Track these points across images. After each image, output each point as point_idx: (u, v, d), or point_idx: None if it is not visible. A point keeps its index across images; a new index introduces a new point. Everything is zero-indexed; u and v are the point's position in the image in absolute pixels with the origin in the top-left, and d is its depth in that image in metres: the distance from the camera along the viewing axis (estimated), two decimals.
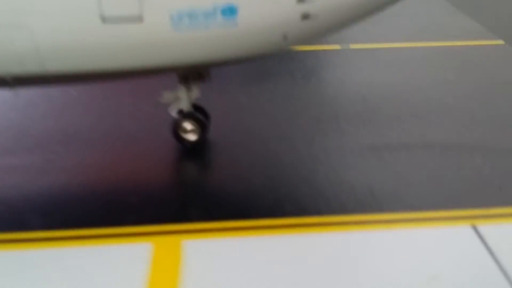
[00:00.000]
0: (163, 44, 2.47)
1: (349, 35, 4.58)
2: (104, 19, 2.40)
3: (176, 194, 2.60)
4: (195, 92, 2.87)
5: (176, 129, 2.90)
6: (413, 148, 2.93)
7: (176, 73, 2.81)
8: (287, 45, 2.64)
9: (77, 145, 2.99)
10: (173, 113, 2.97)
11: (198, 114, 2.93)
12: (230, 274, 2.07)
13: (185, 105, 2.90)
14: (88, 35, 2.41)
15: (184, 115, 2.89)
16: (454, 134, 3.08)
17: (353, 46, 4.43)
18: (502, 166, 2.77)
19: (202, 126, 2.91)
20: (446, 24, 4.97)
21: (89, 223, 2.34)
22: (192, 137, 2.92)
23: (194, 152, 2.94)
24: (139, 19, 2.41)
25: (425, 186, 2.60)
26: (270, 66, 4.02)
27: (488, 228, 2.29)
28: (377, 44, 4.44)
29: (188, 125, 2.89)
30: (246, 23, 2.48)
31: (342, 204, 2.48)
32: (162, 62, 2.54)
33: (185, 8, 2.42)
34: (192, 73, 2.79)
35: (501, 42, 4.47)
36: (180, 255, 2.15)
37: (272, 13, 2.49)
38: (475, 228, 2.30)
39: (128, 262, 2.11)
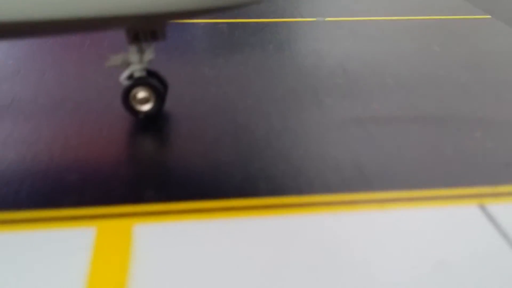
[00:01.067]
0: None
1: (327, 9, 4.27)
2: None
3: (126, 171, 2.26)
4: (149, 54, 2.55)
5: (126, 97, 2.56)
6: (404, 121, 2.63)
7: (124, 30, 2.45)
8: None
9: (9, 117, 2.65)
10: (123, 79, 2.61)
11: (152, 80, 2.59)
12: (189, 264, 1.78)
13: (136, 70, 2.56)
14: None
15: (135, 81, 2.55)
16: (448, 106, 2.86)
17: (329, 19, 4.08)
18: (505, 141, 2.54)
19: (157, 93, 2.57)
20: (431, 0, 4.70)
21: (19, 205, 2.02)
22: (145, 107, 2.58)
23: (149, 125, 2.62)
24: None
25: (421, 162, 2.35)
26: (237, 38, 3.72)
27: (498, 208, 2.08)
28: (355, 17, 4.12)
29: (140, 93, 2.55)
30: None
31: (326, 181, 2.19)
32: (100, 11, 2.12)
33: None
34: (143, 30, 2.44)
35: (487, 16, 4.19)
36: (130, 242, 1.85)
37: None
38: (483, 208, 2.08)
39: (67, 250, 1.82)
